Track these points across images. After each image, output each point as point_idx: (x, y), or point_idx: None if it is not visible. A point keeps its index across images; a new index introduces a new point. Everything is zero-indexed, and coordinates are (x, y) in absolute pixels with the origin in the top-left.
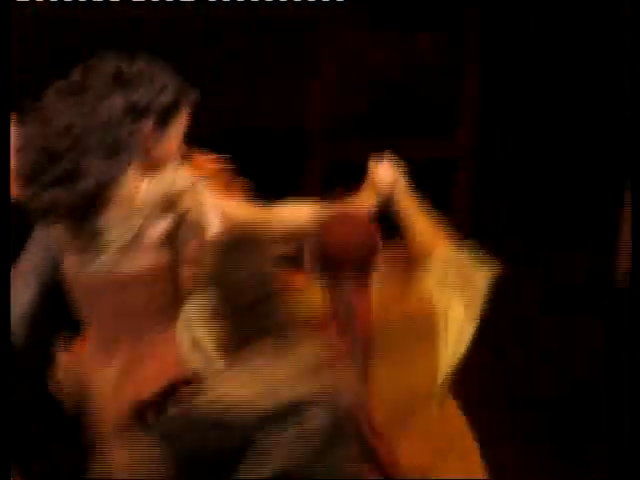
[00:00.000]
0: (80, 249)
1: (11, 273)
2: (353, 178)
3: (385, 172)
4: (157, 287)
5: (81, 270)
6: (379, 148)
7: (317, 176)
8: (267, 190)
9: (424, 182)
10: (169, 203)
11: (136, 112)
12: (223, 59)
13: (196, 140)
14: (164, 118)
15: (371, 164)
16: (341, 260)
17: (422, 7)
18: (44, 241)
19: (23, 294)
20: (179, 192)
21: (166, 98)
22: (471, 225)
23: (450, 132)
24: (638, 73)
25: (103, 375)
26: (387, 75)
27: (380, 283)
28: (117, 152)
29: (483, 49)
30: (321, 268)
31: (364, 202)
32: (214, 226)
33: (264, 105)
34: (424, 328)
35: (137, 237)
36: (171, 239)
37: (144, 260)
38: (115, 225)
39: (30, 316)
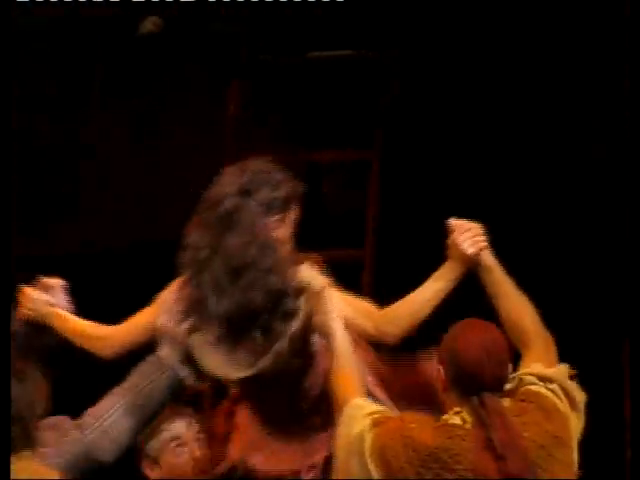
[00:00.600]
0: (228, 351)
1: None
2: None
3: (470, 240)
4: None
5: (229, 372)
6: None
7: None
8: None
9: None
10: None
11: (265, 210)
12: None
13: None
14: (283, 211)
15: (452, 230)
16: (481, 379)
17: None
18: (156, 372)
19: (124, 421)
20: (313, 293)
21: (281, 193)
22: None
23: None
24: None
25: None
26: None
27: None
28: (272, 254)
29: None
30: (460, 390)
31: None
32: (339, 334)
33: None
34: (564, 444)
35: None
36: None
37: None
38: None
39: (124, 446)
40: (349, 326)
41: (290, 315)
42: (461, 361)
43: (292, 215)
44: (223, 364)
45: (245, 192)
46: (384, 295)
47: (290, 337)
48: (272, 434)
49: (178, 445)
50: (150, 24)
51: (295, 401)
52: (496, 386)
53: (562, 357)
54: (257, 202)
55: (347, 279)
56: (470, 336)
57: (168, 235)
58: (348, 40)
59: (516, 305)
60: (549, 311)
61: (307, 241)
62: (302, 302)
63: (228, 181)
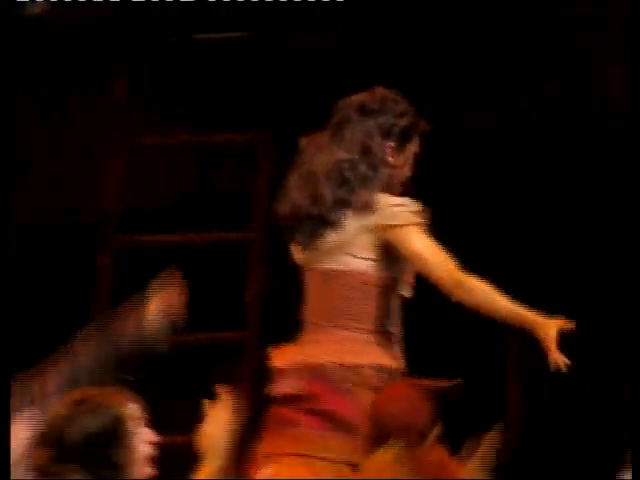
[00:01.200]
0: (305, 247)
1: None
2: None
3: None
4: (364, 291)
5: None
6: (172, 242)
7: (109, 270)
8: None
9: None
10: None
11: (382, 133)
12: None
13: None
14: (402, 141)
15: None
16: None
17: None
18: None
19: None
20: (397, 225)
21: (405, 122)
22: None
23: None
24: None
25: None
26: (183, 171)
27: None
28: (374, 172)
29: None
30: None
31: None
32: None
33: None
34: None
35: (349, 244)
36: (378, 257)
37: (354, 264)
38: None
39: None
40: (422, 264)
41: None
42: (381, 430)
43: (412, 147)
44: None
45: (366, 111)
46: (274, 276)
47: None
48: None
49: None
50: (37, 6)
51: None
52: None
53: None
54: (376, 124)
55: (237, 260)
56: (392, 406)
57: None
58: (237, 21)
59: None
60: None
61: (197, 222)
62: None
63: (355, 100)
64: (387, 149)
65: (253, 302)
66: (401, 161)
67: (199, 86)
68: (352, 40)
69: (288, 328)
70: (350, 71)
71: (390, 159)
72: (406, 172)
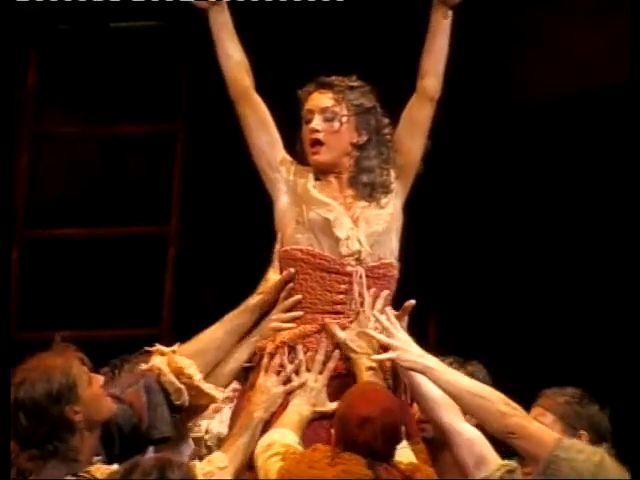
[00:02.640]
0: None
1: None
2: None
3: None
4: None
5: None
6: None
7: (15, 264)
8: None
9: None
10: None
11: None
12: None
13: None
14: None
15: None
16: (368, 449)
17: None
18: None
19: None
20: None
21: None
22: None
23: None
24: None
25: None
26: (94, 163)
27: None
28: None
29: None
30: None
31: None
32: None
33: None
34: None
35: None
36: None
37: None
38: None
39: None
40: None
41: None
42: (348, 432)
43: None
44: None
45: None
46: (189, 270)
47: None
48: None
49: None
50: None
51: None
52: (384, 455)
53: None
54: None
55: (152, 255)
56: (361, 407)
57: None
58: (151, 10)
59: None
60: None
61: (111, 217)
62: None
63: None
64: None
65: (168, 298)
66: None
67: (113, 76)
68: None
69: (201, 324)
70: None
71: None
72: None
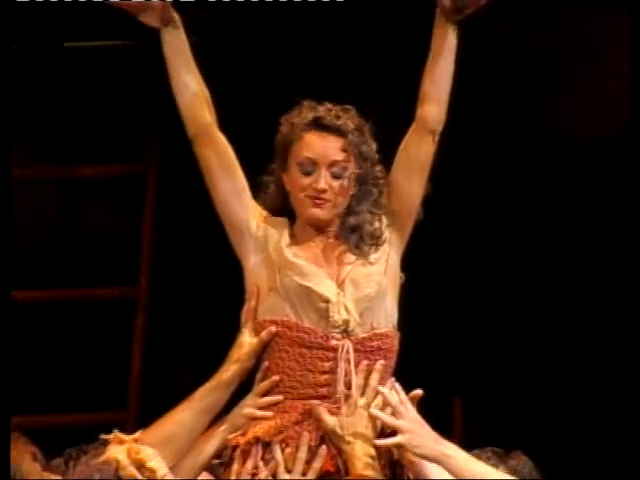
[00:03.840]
0: None
1: None
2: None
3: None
4: None
5: None
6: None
7: None
8: None
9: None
10: None
11: None
12: None
13: None
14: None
15: None
16: None
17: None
18: None
19: None
20: None
21: None
22: None
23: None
24: None
25: None
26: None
27: None
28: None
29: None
30: None
31: None
32: None
33: None
34: None
35: None
36: None
37: None
38: None
39: None
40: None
41: None
42: None
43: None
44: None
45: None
46: (161, 339)
47: None
48: None
49: None
50: None
51: None
52: None
53: None
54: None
55: (117, 322)
56: None
57: None
58: (114, 28)
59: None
60: None
61: (68, 277)
62: None
63: None
64: None
65: (135, 378)
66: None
67: (72, 106)
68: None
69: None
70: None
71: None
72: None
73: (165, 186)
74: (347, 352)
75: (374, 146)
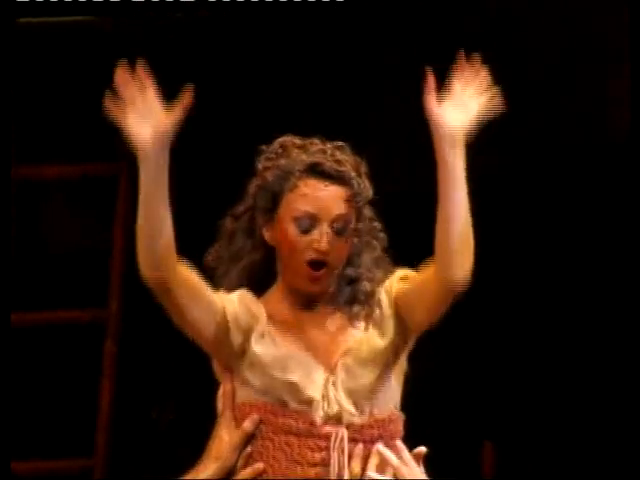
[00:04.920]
0: None
1: None
2: None
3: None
4: None
5: None
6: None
7: None
8: None
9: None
10: None
11: None
12: None
13: None
14: None
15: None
16: None
17: None
18: None
19: None
20: None
21: None
22: None
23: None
24: None
25: None
26: None
27: None
28: None
29: None
30: None
31: None
32: None
33: None
34: None
35: None
36: None
37: None
38: None
39: None
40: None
41: None
42: None
43: None
44: None
45: None
46: (134, 373)
47: None
48: None
49: None
50: None
51: None
52: None
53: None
54: None
55: (83, 351)
56: None
57: None
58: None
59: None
60: None
61: (23, 298)
62: None
63: None
64: None
65: (104, 419)
66: None
67: (28, 93)
68: None
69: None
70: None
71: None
72: None
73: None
74: (341, 441)
75: (371, 192)
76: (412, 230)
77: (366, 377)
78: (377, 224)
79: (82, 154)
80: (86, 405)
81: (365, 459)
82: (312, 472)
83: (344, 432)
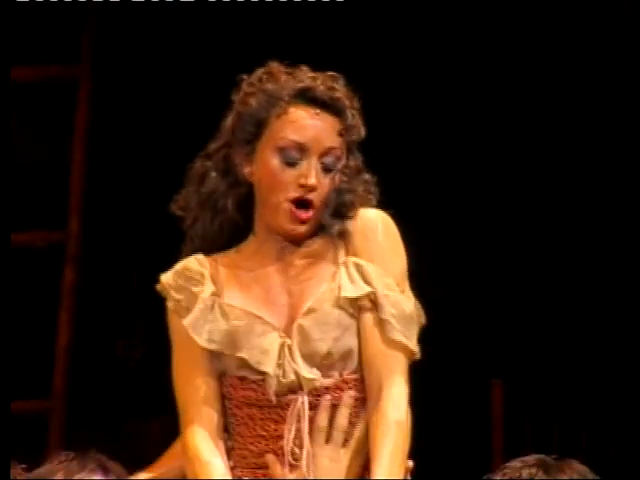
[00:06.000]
0: None
1: None
2: None
3: None
4: None
5: None
6: None
7: None
8: None
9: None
10: None
11: None
12: None
13: None
14: None
15: None
16: None
17: None
18: None
19: None
20: None
21: None
22: None
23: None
24: None
25: None
26: None
27: None
28: None
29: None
30: None
31: None
32: None
33: None
34: None
35: None
36: None
37: None
38: None
39: None
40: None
41: None
42: None
43: None
44: None
45: None
46: (96, 302)
47: None
48: None
49: None
50: None
51: None
52: None
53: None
54: None
55: (40, 278)
56: None
57: None
58: None
59: None
60: None
61: None
62: None
63: None
64: None
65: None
66: None
67: None
68: None
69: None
70: None
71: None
72: None
73: (102, 96)
74: (300, 408)
75: (363, 131)
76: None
77: (323, 340)
78: (363, 167)
79: (40, 56)
80: (43, 341)
81: (334, 409)
82: (277, 446)
83: (305, 399)
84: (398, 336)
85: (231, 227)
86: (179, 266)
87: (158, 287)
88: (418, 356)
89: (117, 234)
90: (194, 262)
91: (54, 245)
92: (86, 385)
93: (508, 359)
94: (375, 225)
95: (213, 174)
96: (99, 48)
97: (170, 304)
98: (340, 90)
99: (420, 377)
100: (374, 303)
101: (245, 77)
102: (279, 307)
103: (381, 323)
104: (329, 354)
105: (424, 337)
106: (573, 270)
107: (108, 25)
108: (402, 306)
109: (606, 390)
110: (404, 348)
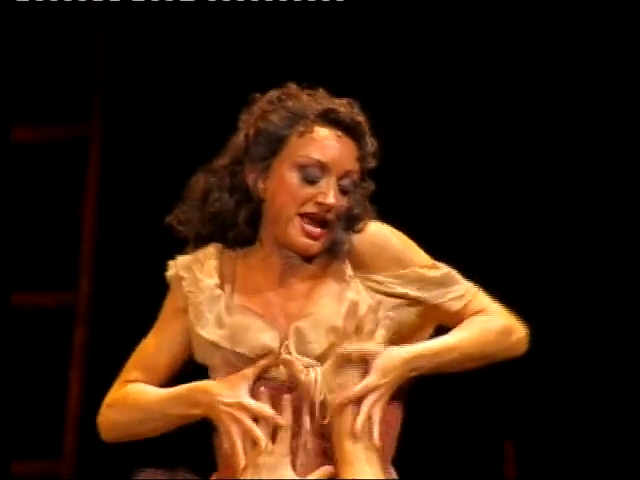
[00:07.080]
0: None
1: None
2: None
3: None
4: None
5: None
6: None
7: None
8: None
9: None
10: None
11: None
12: None
13: None
14: None
15: None
16: None
17: None
18: None
19: None
20: None
21: None
22: None
23: None
24: None
25: None
26: None
27: None
28: None
29: None
30: None
31: None
32: None
33: None
34: None
35: None
36: None
37: None
38: None
39: None
40: None
41: None
42: None
43: None
44: None
45: None
46: (106, 361)
47: None
48: None
49: None
50: None
51: None
52: None
53: None
54: None
55: (50, 339)
56: None
57: None
58: None
59: None
60: None
61: None
62: None
63: None
64: None
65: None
66: None
67: None
68: None
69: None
70: None
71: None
72: None
73: (113, 153)
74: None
75: (375, 161)
76: None
77: (317, 343)
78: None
79: (52, 116)
80: (53, 401)
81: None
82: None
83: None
84: (457, 304)
85: (235, 239)
86: (197, 253)
87: (169, 263)
88: (472, 285)
89: (128, 293)
90: (211, 250)
91: (65, 306)
92: (97, 445)
93: (521, 420)
94: (385, 235)
95: (218, 190)
96: (108, 107)
97: (174, 284)
98: (360, 116)
99: (433, 437)
100: (418, 302)
101: (258, 95)
102: (275, 314)
103: (441, 308)
104: (322, 356)
105: (437, 395)
106: (582, 327)
107: (116, 84)
108: (433, 281)
109: (619, 451)
110: (475, 294)
